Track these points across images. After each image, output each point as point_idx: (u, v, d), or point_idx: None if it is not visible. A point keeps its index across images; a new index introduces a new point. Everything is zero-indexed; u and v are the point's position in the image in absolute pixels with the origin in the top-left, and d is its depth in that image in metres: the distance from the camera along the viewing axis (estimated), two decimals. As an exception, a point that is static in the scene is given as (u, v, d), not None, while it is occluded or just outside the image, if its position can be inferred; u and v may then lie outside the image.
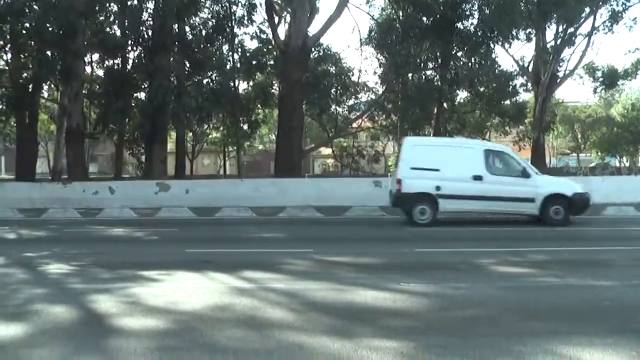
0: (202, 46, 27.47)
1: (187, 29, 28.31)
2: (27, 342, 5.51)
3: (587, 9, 30.48)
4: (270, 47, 30.86)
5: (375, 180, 21.44)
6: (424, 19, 29.00)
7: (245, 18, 28.66)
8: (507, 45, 32.29)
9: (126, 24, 25.96)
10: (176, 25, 27.10)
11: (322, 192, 20.46)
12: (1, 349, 5.34)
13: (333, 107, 35.48)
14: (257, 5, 28.76)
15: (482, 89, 32.91)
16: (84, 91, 28.49)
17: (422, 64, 31.13)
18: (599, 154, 53.85)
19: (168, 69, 25.80)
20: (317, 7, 30.21)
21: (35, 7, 23.50)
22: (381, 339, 5.48)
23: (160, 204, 19.68)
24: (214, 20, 28.39)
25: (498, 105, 35.23)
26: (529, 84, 36.18)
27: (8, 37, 25.60)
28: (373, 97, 35.89)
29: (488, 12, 27.13)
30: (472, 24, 28.58)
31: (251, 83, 34.24)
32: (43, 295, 7.45)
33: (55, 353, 5.19)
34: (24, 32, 24.89)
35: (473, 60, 30.00)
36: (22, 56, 27.25)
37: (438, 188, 14.83)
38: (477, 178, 14.71)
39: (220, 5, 28.83)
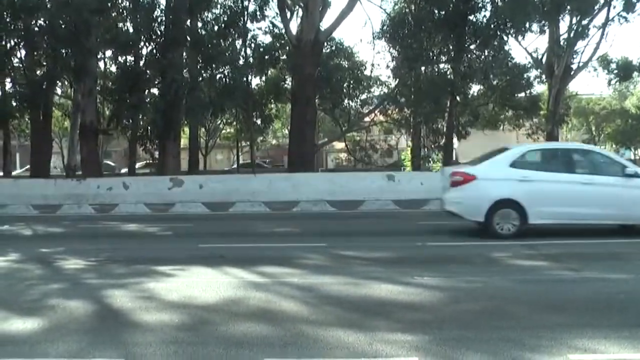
0: (214, 41, 27.48)
1: (200, 24, 28.40)
2: (43, 336, 5.55)
3: (602, 0, 30.15)
4: (282, 41, 30.87)
5: (388, 174, 21.37)
6: (437, 11, 28.87)
7: (258, 13, 28.83)
8: (520, 38, 31.95)
9: (139, 20, 26.04)
10: (188, 20, 27.19)
11: (335, 186, 20.39)
12: (18, 343, 5.39)
13: (346, 101, 35.39)
14: (269, -1, 28.83)
15: (495, 82, 32.68)
16: (97, 88, 28.62)
17: (434, 57, 30.96)
18: (614, 146, 53.39)
19: (181, 64, 25.86)
20: (329, 1, 30.10)
21: (48, 4, 23.64)
22: (396, 332, 5.48)
23: (174, 200, 19.71)
24: (226, 16, 28.41)
25: (512, 98, 35.00)
26: (543, 77, 35.88)
27: (22, 34, 25.75)
28: (386, 90, 35.75)
29: (501, 4, 26.93)
30: (484, 16, 28.42)
31: (264, 78, 34.32)
32: (59, 290, 7.52)
33: (72, 347, 5.23)
34: (37, 29, 25.04)
35: (486, 53, 29.85)
36: (35, 53, 27.39)
37: None
38: None
39: (232, 0, 28.91)
